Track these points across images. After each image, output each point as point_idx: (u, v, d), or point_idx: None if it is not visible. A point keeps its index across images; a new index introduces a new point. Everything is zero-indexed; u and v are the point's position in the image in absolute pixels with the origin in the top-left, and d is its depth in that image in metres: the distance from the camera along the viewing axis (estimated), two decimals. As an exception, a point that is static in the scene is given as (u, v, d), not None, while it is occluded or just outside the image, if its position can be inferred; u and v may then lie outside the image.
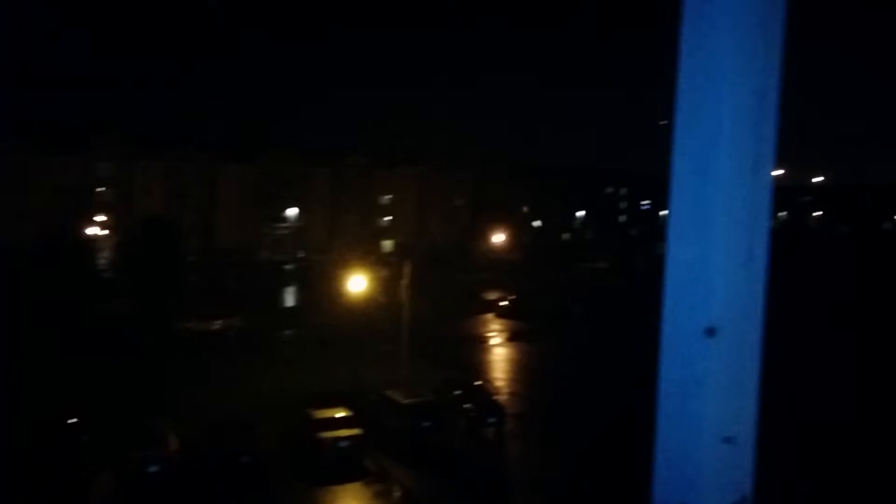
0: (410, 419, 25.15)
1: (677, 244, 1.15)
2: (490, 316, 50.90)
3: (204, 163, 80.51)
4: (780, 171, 67.77)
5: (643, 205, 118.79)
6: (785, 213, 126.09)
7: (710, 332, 1.12)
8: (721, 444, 1.15)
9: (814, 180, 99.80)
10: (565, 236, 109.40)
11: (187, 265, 58.41)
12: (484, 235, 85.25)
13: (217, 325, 42.09)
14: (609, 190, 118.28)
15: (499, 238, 79.41)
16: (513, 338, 44.03)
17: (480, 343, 42.96)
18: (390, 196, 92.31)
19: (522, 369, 37.01)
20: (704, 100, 1.10)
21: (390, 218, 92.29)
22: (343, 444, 23.12)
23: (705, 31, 1.09)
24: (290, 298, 58.91)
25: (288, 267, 74.93)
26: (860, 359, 36.11)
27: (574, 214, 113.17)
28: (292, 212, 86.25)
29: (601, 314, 49.01)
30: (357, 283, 33.90)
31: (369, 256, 73.65)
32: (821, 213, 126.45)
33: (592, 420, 26.73)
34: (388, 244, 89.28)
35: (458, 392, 27.72)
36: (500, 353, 40.82)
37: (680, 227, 1.15)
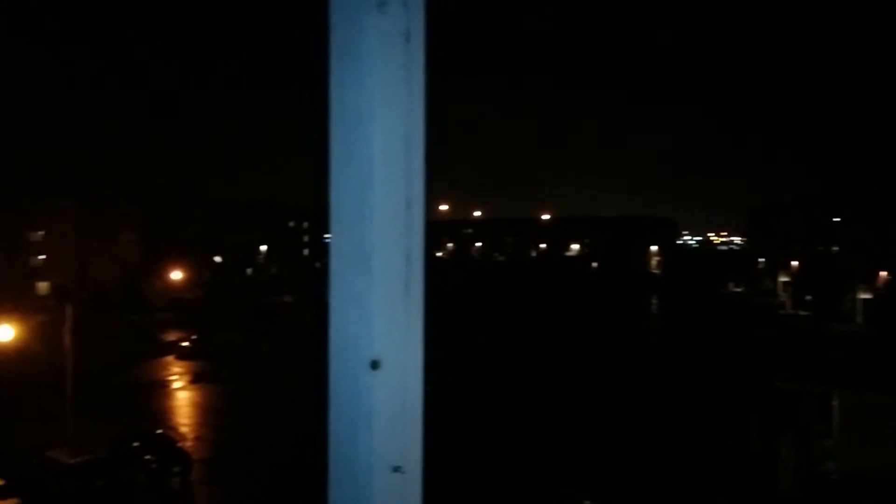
0: (80, 480, 22.48)
1: (339, 281, 1.18)
2: (170, 358, 47.58)
3: None
4: (445, 207, 74.43)
5: (326, 238, 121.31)
6: (451, 244, 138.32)
7: (375, 364, 1.15)
8: (390, 474, 1.18)
9: (475, 214, 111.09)
10: (249, 271, 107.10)
11: None
12: (159, 273, 79.82)
13: None
14: (291, 223, 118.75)
15: (176, 275, 75.01)
16: (196, 380, 41.67)
17: (160, 388, 39.89)
18: (42, 232, 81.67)
19: (208, 412, 35.19)
20: (356, 143, 1.15)
21: (44, 257, 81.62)
22: (-7, 520, 20.02)
23: (352, 79, 1.15)
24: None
25: None
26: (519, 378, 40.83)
27: (257, 248, 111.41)
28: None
29: (288, 349, 48.67)
30: (4, 332, 29.37)
31: (21, 301, 64.32)
32: (481, 244, 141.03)
33: (282, 459, 26.30)
34: (43, 286, 78.83)
35: (136, 444, 25.47)
36: (183, 398, 38.34)
37: (341, 264, 1.18)
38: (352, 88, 1.13)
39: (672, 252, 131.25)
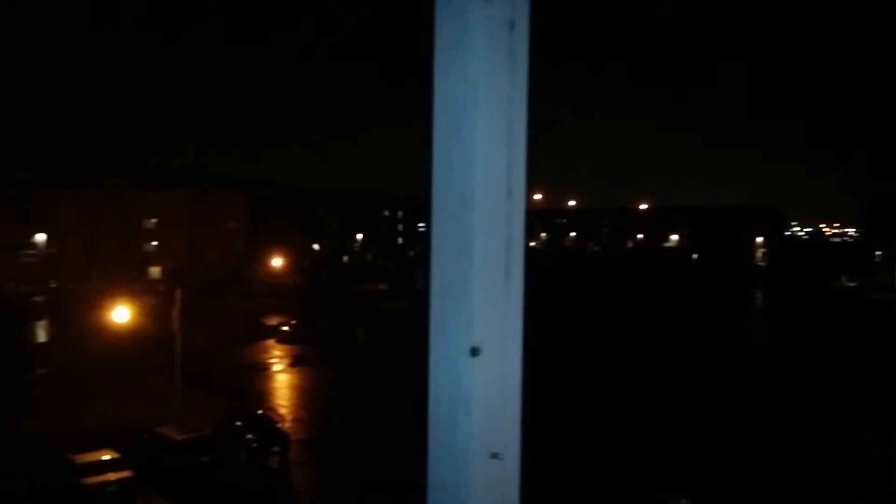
0: (187, 456, 23.71)
1: (440, 268, 1.19)
2: (271, 342, 49.48)
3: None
4: (539, 196, 73.71)
5: (419, 227, 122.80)
6: (545, 233, 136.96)
7: (475, 351, 1.16)
8: (489, 460, 1.19)
9: (569, 204, 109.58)
10: (345, 259, 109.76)
11: None
12: (261, 259, 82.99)
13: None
14: (386, 213, 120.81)
15: (277, 262, 77.78)
16: (295, 363, 43.15)
17: (262, 370, 41.54)
18: (155, 220, 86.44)
19: (306, 395, 36.37)
20: (459, 131, 1.16)
21: (156, 243, 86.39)
22: (111, 489, 21.27)
23: (457, 69, 1.15)
24: (41, 333, 52.85)
25: (38, 298, 67.20)
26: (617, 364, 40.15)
27: (353, 237, 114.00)
28: (40, 237, 77.58)
29: (383, 335, 49.64)
30: (121, 314, 31.29)
31: (135, 284, 68.41)
32: (575, 233, 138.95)
33: (377, 442, 26.89)
34: (155, 271, 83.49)
35: (238, 423, 26.63)
36: (282, 380, 39.78)
37: (442, 251, 1.19)
38: (456, 78, 1.14)
39: (779, 243, 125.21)
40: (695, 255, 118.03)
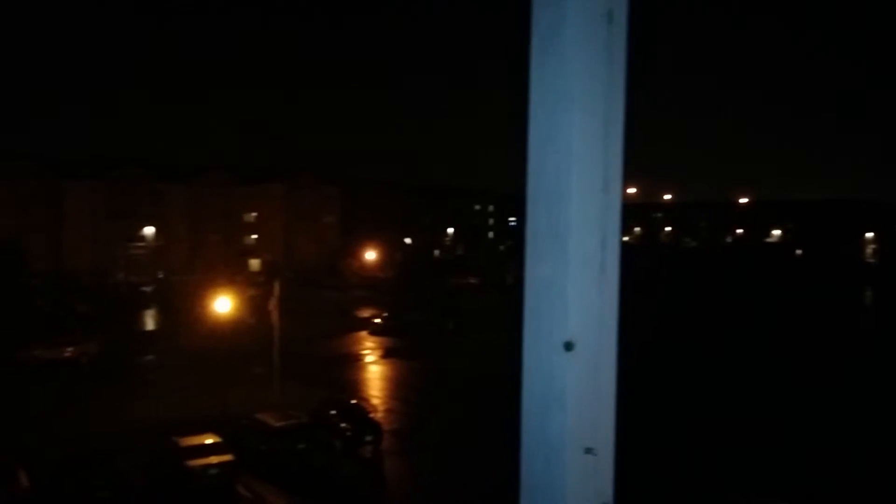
0: (284, 442, 24.54)
1: (535, 262, 1.19)
2: (364, 333, 50.57)
3: (46, 178, 75.43)
4: (633, 190, 71.92)
5: (510, 221, 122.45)
6: (639, 228, 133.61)
7: (569, 346, 1.16)
8: (582, 455, 1.19)
9: (665, 198, 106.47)
10: (436, 253, 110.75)
11: (32, 288, 54.44)
12: (355, 253, 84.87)
13: (69, 351, 39.25)
14: (477, 207, 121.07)
15: (370, 255, 79.39)
16: (387, 355, 43.92)
17: (355, 361, 42.52)
18: (255, 214, 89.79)
19: (398, 386, 36.95)
20: (555, 125, 1.15)
21: (256, 236, 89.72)
22: (213, 471, 22.22)
23: (554, 62, 1.15)
24: (150, 322, 55.92)
25: (146, 289, 71.12)
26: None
27: (444, 231, 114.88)
28: (149, 230, 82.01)
29: (473, 328, 49.85)
30: (223, 304, 32.69)
31: (235, 276, 71.34)
32: (670, 228, 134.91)
33: (468, 434, 27.04)
34: (255, 263, 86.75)
35: (333, 412, 27.30)
36: (375, 371, 40.58)
37: (537, 246, 1.19)
38: (553, 70, 1.14)
39: (891, 239, 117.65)
40: (799, 251, 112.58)
